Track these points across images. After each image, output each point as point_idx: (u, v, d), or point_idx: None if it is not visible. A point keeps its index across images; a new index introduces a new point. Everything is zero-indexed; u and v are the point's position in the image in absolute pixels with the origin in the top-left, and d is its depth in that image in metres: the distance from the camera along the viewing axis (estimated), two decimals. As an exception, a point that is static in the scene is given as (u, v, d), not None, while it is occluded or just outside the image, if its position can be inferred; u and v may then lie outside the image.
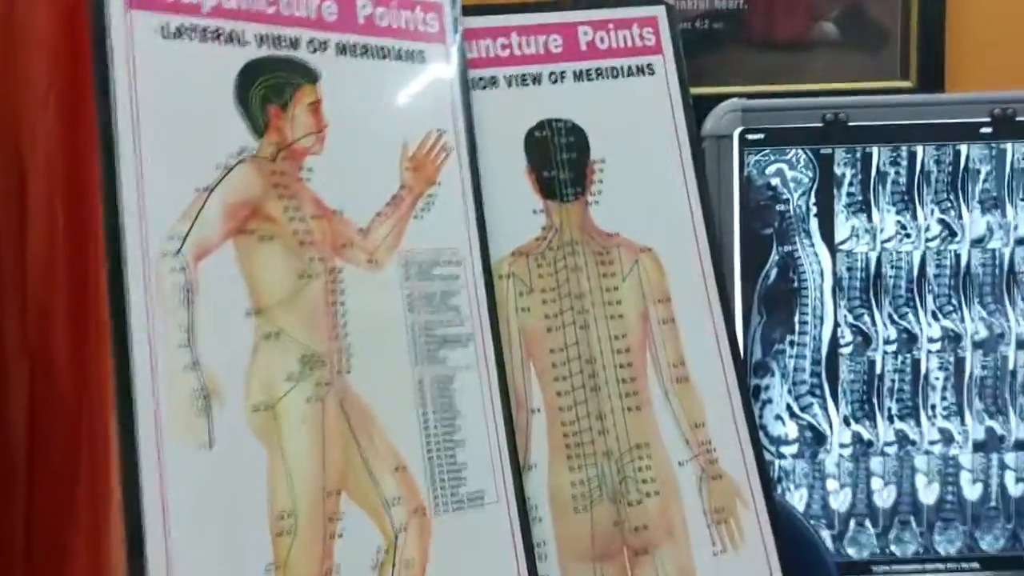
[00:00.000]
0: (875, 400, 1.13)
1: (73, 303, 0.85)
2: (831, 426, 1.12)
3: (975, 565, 1.11)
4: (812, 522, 1.11)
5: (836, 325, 1.12)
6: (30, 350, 0.86)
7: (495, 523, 0.83)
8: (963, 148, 1.13)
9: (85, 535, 0.85)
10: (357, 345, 0.80)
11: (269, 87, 0.81)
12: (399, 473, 0.80)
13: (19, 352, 0.86)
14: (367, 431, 0.79)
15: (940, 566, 1.11)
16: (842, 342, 1.13)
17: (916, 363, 1.13)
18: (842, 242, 1.13)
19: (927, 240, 1.14)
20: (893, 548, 1.12)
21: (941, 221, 1.13)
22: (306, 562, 0.73)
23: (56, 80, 0.83)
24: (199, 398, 0.72)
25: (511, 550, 0.83)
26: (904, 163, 1.13)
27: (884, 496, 1.13)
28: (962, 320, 1.14)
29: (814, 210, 1.11)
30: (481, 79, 0.97)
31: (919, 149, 1.13)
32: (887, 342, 1.13)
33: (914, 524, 1.13)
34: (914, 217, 1.13)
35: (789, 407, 1.12)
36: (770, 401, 1.12)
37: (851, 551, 1.13)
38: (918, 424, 1.14)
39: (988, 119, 1.13)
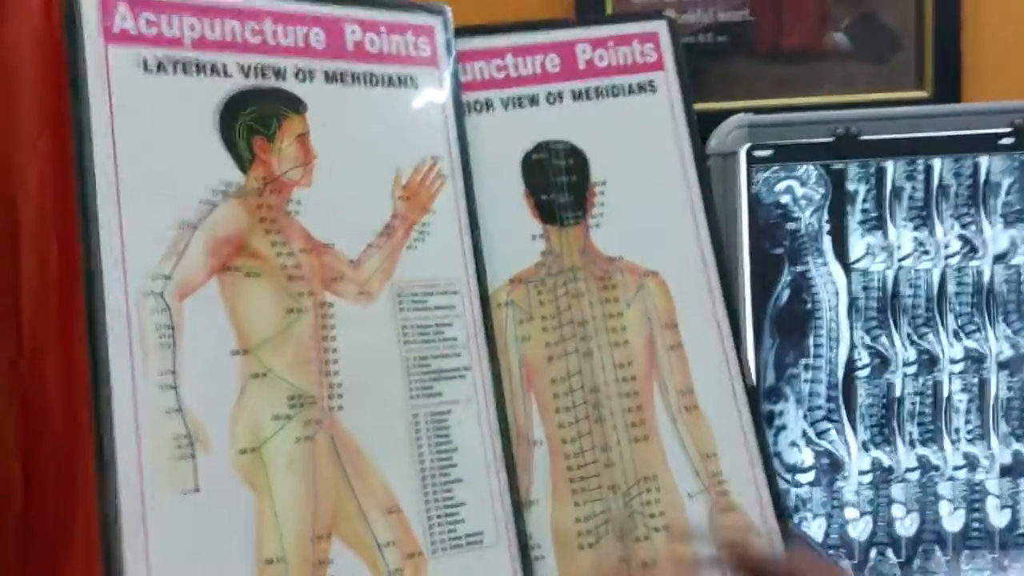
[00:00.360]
0: (895, 424, 1.09)
1: (65, 343, 0.84)
2: (849, 452, 1.08)
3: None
4: (831, 552, 1.07)
5: (852, 347, 1.08)
6: (23, 390, 0.85)
7: (495, 564, 0.81)
8: (983, 160, 1.09)
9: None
10: (349, 382, 0.78)
11: (254, 119, 0.79)
12: (393, 515, 0.77)
13: (12, 393, 0.85)
14: (359, 471, 0.77)
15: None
16: (859, 364, 1.09)
17: (937, 385, 1.09)
18: (857, 260, 1.09)
19: (947, 257, 1.09)
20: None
21: (961, 237, 1.09)
22: (296, 610, 0.71)
23: (47, 121, 0.82)
24: (183, 442, 0.70)
25: (512, 592, 0.80)
26: (920, 177, 1.09)
27: (906, 524, 1.09)
28: (986, 340, 1.10)
29: (827, 228, 1.08)
30: (476, 102, 0.94)
31: (936, 162, 1.09)
32: (906, 364, 1.09)
33: (939, 552, 1.09)
34: (932, 233, 1.09)
35: (805, 433, 1.09)
36: (784, 427, 1.08)
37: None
38: (941, 449, 1.10)
39: (1009, 129, 1.09)
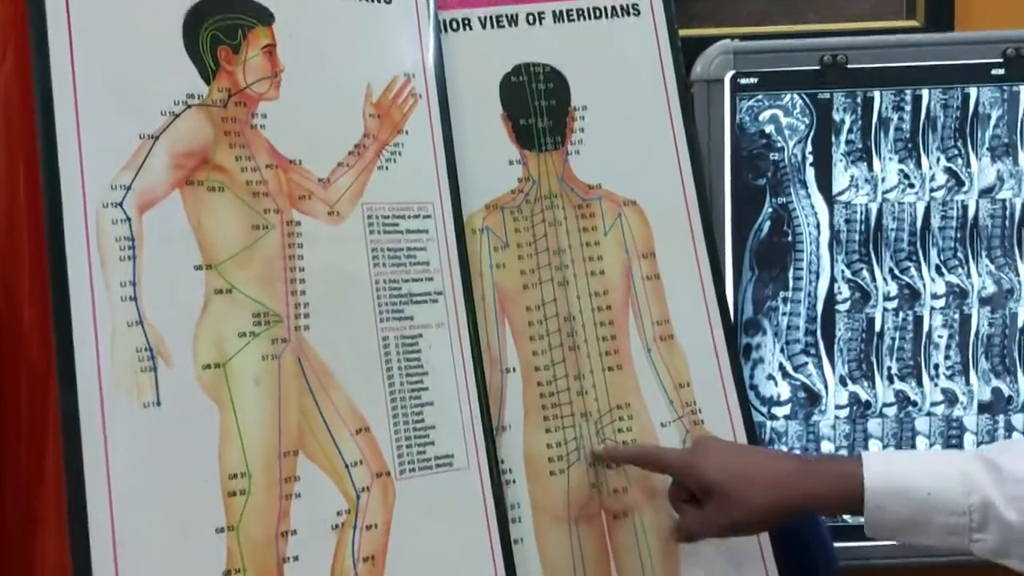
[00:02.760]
0: (874, 359, 1.09)
1: (38, 269, 0.83)
2: (826, 386, 1.09)
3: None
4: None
5: (833, 281, 1.08)
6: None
7: (465, 486, 0.81)
8: (972, 91, 1.08)
9: (54, 503, 0.83)
10: (316, 301, 0.78)
11: (219, 28, 0.77)
12: (361, 435, 0.78)
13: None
14: (327, 391, 0.77)
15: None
16: (839, 298, 1.09)
17: (918, 320, 1.09)
18: (840, 193, 1.08)
19: (932, 190, 1.09)
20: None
21: (947, 170, 1.08)
22: (260, 523, 0.71)
23: (11, 37, 0.80)
24: (144, 355, 0.70)
25: (482, 513, 0.81)
26: (908, 108, 1.08)
27: (882, 459, 1.10)
28: (968, 275, 1.09)
29: (810, 159, 1.07)
30: (453, 21, 0.93)
31: (924, 93, 1.07)
32: (887, 298, 1.09)
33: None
34: (918, 166, 1.08)
35: (782, 367, 1.09)
36: (761, 360, 1.09)
37: (847, 516, 1.10)
38: (920, 384, 1.10)
39: (1000, 60, 1.07)
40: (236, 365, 0.73)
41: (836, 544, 0.96)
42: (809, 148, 1.07)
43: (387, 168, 0.84)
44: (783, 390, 1.09)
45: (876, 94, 1.07)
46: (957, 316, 1.10)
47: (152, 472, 0.68)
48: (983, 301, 1.10)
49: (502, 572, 0.80)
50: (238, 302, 0.74)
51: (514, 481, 0.85)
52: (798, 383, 1.09)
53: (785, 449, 1.09)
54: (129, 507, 0.66)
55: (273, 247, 0.77)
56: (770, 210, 1.07)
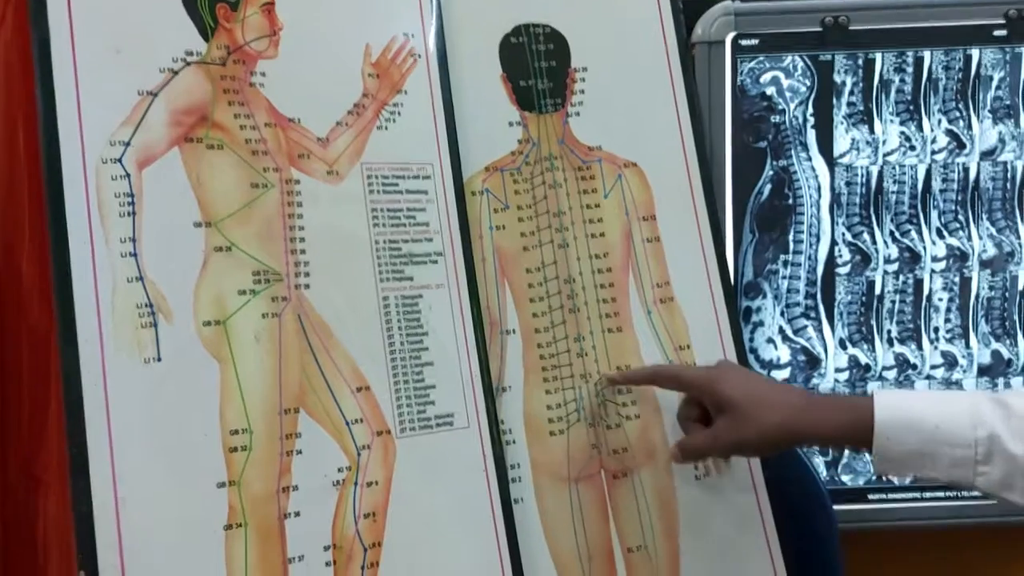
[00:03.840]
0: (874, 322, 1.10)
1: (38, 230, 0.83)
2: (826, 350, 1.09)
3: (975, 493, 1.09)
4: (805, 449, 1.09)
5: (833, 243, 1.08)
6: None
7: (465, 445, 0.82)
8: (974, 53, 1.08)
9: (57, 464, 0.84)
10: (316, 260, 0.78)
11: (217, -15, 0.77)
12: (361, 393, 0.78)
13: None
14: (327, 349, 0.77)
15: (939, 494, 1.08)
16: (839, 261, 1.09)
17: (918, 283, 1.10)
18: (841, 155, 1.08)
19: (933, 152, 1.09)
20: (890, 475, 1.10)
21: (949, 132, 1.08)
22: (261, 479, 0.72)
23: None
24: (145, 311, 0.70)
25: (482, 472, 0.82)
26: (910, 70, 1.08)
27: (882, 422, 1.10)
28: (969, 238, 1.10)
29: (811, 121, 1.07)
30: (453, -20, 0.93)
31: (926, 54, 1.07)
32: (888, 261, 1.09)
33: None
34: (919, 128, 1.08)
35: (782, 330, 1.09)
36: (761, 324, 1.09)
37: (846, 478, 1.11)
38: (919, 347, 1.10)
39: (1002, 21, 1.07)
40: (236, 322, 0.74)
41: (835, 507, 0.97)
42: (810, 110, 1.07)
43: (386, 128, 0.84)
44: (783, 353, 1.09)
45: (878, 56, 1.07)
46: (957, 279, 1.10)
47: (153, 427, 0.69)
48: (983, 264, 1.10)
49: (502, 531, 0.81)
50: (238, 260, 0.75)
51: (514, 441, 0.86)
52: (798, 346, 1.10)
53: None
54: (130, 462, 0.67)
55: (273, 205, 0.77)
56: (771, 173, 1.07)
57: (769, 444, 0.81)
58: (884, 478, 1.09)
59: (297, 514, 0.73)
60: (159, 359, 0.70)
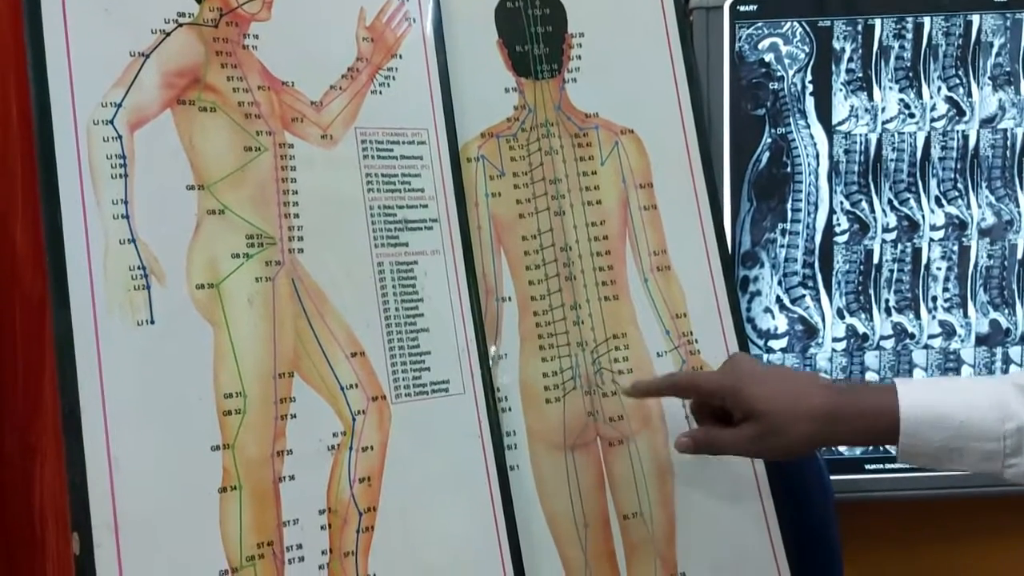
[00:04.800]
0: (871, 292, 1.10)
1: (31, 198, 0.83)
2: (824, 319, 1.10)
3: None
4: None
5: (831, 212, 1.08)
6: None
7: (461, 412, 0.82)
8: (975, 19, 1.07)
9: (53, 432, 0.84)
10: (310, 225, 0.78)
11: (209, -54, 0.77)
12: (356, 358, 0.78)
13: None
14: (321, 314, 0.77)
15: (936, 464, 1.09)
16: (837, 230, 1.09)
17: (917, 252, 1.10)
18: (840, 123, 1.08)
19: (932, 120, 1.09)
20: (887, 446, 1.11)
21: (948, 99, 1.08)
22: (256, 442, 0.72)
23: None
24: (137, 273, 0.70)
25: (477, 439, 0.82)
26: (909, 36, 1.07)
27: (879, 392, 1.11)
28: (968, 206, 1.10)
29: (810, 88, 1.06)
30: (448, -57, 0.92)
31: (926, 21, 1.07)
32: (886, 230, 1.09)
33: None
34: (919, 95, 1.08)
35: (779, 299, 1.09)
36: (759, 293, 1.09)
37: (843, 449, 1.11)
38: (917, 317, 1.11)
39: (1004, -13, 1.07)
40: (230, 285, 0.74)
41: (832, 477, 0.97)
42: (809, 77, 1.06)
43: (380, 93, 0.84)
44: (780, 323, 1.10)
45: (877, 22, 1.06)
46: (956, 248, 1.10)
47: (147, 389, 0.69)
48: (982, 233, 1.10)
49: (498, 497, 0.81)
50: (231, 223, 0.75)
51: (510, 409, 0.86)
52: (795, 316, 1.10)
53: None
54: (124, 424, 0.67)
55: (266, 169, 0.77)
56: (769, 140, 1.07)
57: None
58: (880, 449, 1.09)
59: (292, 478, 0.73)
60: (152, 322, 0.70)
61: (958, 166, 1.09)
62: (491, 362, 0.85)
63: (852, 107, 1.08)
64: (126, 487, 0.66)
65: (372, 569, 0.75)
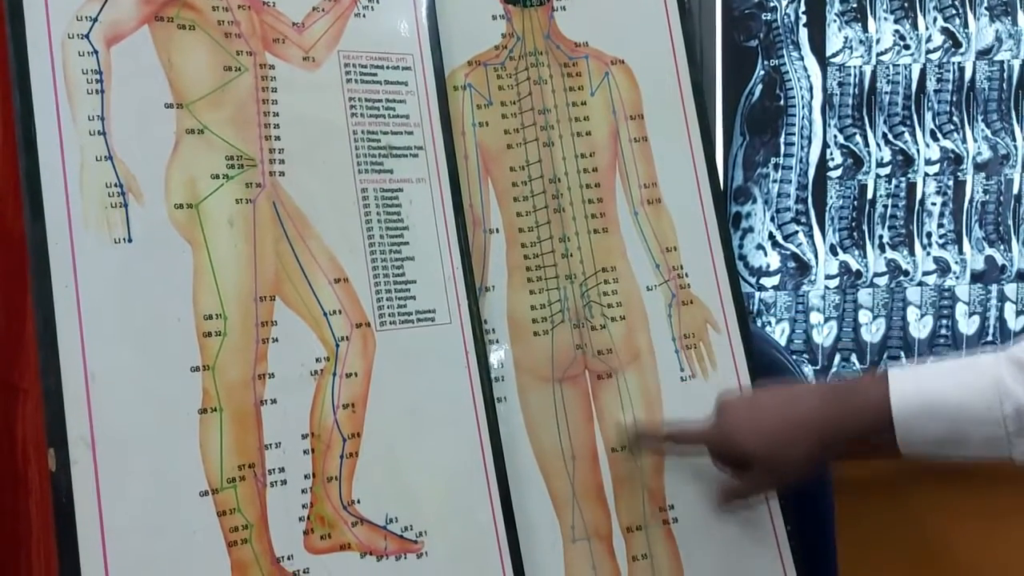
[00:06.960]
0: (865, 228, 1.10)
1: (7, 121, 0.82)
2: (816, 256, 1.09)
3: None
4: (794, 357, 1.09)
5: (825, 146, 1.08)
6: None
7: (447, 341, 0.82)
8: (973, -53, 1.06)
9: (34, 372, 0.84)
10: (291, 147, 0.77)
11: None
12: (340, 285, 0.78)
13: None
14: (303, 239, 0.77)
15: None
16: (831, 165, 1.09)
17: (911, 187, 1.10)
18: (834, 55, 1.07)
19: (928, 52, 1.08)
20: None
21: (944, 30, 1.07)
22: (237, 365, 0.72)
23: None
24: (114, 191, 0.69)
25: (464, 369, 0.82)
26: (905, -36, 1.07)
27: (872, 330, 1.11)
28: (964, 140, 1.09)
29: (804, 19, 1.06)
30: None
31: (923, -52, 1.06)
32: (880, 164, 1.09)
33: (904, 359, 1.11)
34: (914, 26, 1.07)
35: (771, 235, 1.09)
36: (751, 229, 1.09)
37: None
38: (912, 253, 1.10)
39: (1002, -86, 1.06)
40: (209, 206, 0.73)
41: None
42: (802, 8, 1.05)
43: (364, 16, 0.83)
44: (772, 260, 1.09)
45: (873, -50, 1.06)
46: (951, 183, 1.10)
47: (124, 307, 0.68)
48: (978, 167, 1.10)
49: (485, 429, 0.81)
50: (211, 143, 0.74)
51: (497, 341, 0.86)
52: (788, 253, 1.10)
53: (774, 321, 1.10)
54: (101, 339, 0.67)
55: (246, 90, 0.76)
56: (762, 73, 1.07)
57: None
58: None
59: (274, 401, 0.73)
60: (130, 240, 0.69)
61: (954, 99, 1.08)
62: (478, 293, 0.85)
63: (846, 38, 1.07)
64: (103, 402, 0.66)
65: (356, 495, 0.75)
